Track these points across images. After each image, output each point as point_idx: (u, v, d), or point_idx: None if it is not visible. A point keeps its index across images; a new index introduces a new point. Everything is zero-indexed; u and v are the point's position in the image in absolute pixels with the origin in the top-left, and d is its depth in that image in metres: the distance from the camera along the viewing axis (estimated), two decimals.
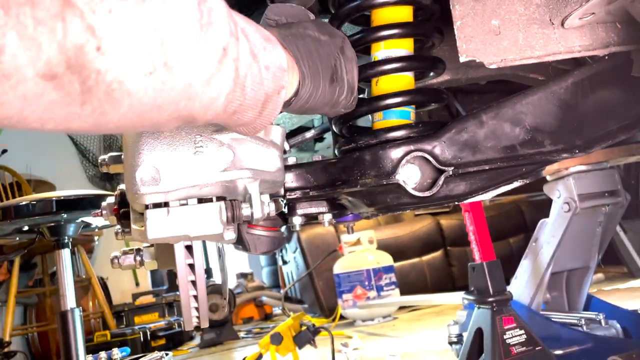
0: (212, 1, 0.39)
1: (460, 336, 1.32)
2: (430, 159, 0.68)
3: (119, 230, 0.70)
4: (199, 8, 0.38)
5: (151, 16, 0.34)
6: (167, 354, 2.04)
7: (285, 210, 0.77)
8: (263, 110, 0.48)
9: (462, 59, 0.68)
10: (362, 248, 2.91)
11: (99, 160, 0.67)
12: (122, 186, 0.64)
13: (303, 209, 0.77)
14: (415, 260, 3.36)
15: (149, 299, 3.50)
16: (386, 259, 2.90)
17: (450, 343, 1.36)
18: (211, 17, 0.39)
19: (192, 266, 0.68)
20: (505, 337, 1.08)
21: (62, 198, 1.56)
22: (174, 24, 0.36)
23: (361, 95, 0.89)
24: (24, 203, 1.55)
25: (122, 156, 0.61)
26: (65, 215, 1.56)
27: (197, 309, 0.71)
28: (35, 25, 0.29)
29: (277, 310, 3.88)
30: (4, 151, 3.42)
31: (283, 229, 0.79)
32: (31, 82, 0.30)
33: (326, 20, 0.79)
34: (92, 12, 0.31)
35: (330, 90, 0.56)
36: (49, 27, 0.29)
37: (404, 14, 0.72)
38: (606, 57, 0.73)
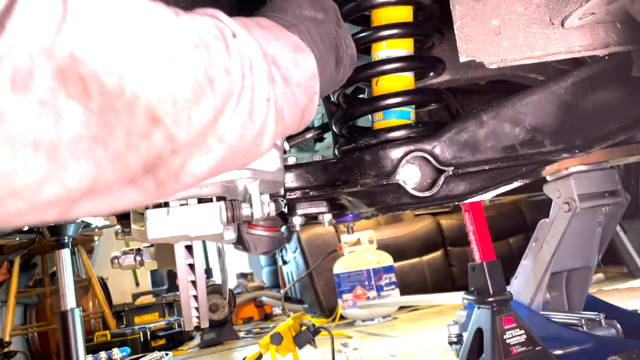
0: (253, 62, 0.41)
1: (460, 336, 1.32)
2: (430, 159, 0.68)
3: (119, 230, 0.70)
4: (242, 84, 0.39)
5: (212, 109, 0.37)
6: (167, 354, 2.04)
7: (285, 210, 0.77)
8: (301, 123, 0.50)
9: (462, 59, 0.68)
10: (362, 248, 2.91)
11: None
12: None
13: (303, 209, 0.77)
14: (415, 260, 3.36)
15: (149, 299, 3.50)
16: (386, 259, 2.90)
17: (450, 343, 1.36)
18: (254, 81, 0.40)
19: (192, 266, 0.68)
20: (505, 337, 1.08)
21: None
22: (229, 113, 0.38)
23: (361, 95, 0.89)
24: None
25: None
26: None
27: (197, 309, 0.71)
28: (126, 151, 0.32)
29: (277, 310, 3.88)
30: None
31: (283, 229, 0.79)
32: (116, 190, 0.34)
33: None
34: (175, 123, 0.34)
35: (336, 72, 0.56)
36: (137, 148, 0.32)
37: (404, 14, 0.72)
38: (606, 57, 0.73)
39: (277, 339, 1.55)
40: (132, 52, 0.31)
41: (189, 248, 0.66)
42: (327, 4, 0.56)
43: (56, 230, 1.60)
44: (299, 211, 0.77)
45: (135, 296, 3.64)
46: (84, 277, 3.16)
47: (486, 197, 0.75)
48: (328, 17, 0.56)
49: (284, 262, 3.65)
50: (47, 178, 0.28)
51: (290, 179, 0.73)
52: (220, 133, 0.38)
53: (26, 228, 1.62)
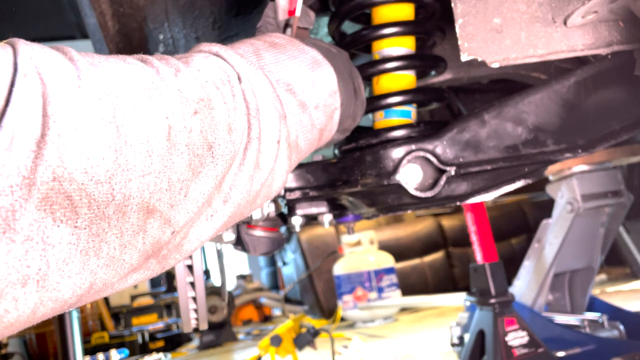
0: (261, 105, 0.39)
1: (462, 338, 1.31)
2: (432, 158, 0.67)
3: None
4: (254, 146, 0.38)
5: (214, 177, 0.35)
6: (165, 356, 2.03)
7: (285, 210, 0.76)
8: (320, 143, 0.48)
9: (464, 57, 0.68)
10: (362, 249, 2.90)
11: None
12: None
13: (303, 209, 0.76)
14: (417, 261, 3.35)
15: (147, 300, 3.49)
16: (387, 260, 2.89)
17: (452, 345, 1.35)
18: (261, 128, 0.38)
19: (190, 267, 0.67)
20: (507, 339, 1.07)
21: None
22: (234, 170, 0.37)
23: None
24: None
25: None
26: None
27: (195, 310, 0.70)
28: (121, 251, 0.30)
29: (276, 312, 3.87)
30: None
31: (283, 229, 0.79)
32: (116, 283, 0.32)
33: (326, 19, 0.78)
34: (171, 206, 0.32)
35: (354, 100, 0.54)
36: (133, 245, 0.31)
37: (405, 12, 0.72)
38: (609, 56, 0.72)
39: (276, 341, 1.54)
40: (121, 150, 0.29)
41: None
42: (340, 49, 0.56)
43: None
44: (299, 211, 0.76)
45: (134, 297, 3.63)
46: None
47: (488, 197, 0.74)
48: (341, 55, 0.55)
49: (284, 263, 3.64)
50: (40, 304, 0.27)
51: (290, 179, 0.73)
52: (225, 193, 0.36)
53: None
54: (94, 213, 0.28)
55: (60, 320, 1.48)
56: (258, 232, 0.72)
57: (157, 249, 0.33)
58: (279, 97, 0.41)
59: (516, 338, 1.08)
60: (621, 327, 1.16)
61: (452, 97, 1.03)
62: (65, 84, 0.28)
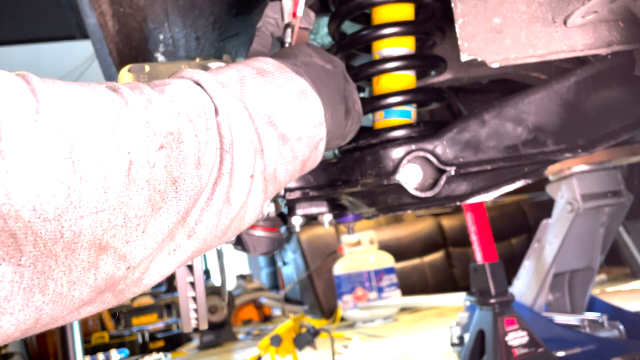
0: (236, 139, 0.38)
1: (462, 338, 1.31)
2: (432, 158, 0.67)
3: None
4: (223, 174, 0.37)
5: (175, 213, 0.34)
6: (165, 356, 2.03)
7: (285, 210, 0.76)
8: (301, 173, 0.47)
9: (464, 57, 0.68)
10: (362, 249, 2.90)
11: None
12: None
13: (303, 209, 0.76)
14: (417, 261, 3.35)
15: (147, 300, 3.49)
16: (387, 260, 2.89)
17: (452, 345, 1.35)
18: (234, 163, 0.37)
19: (190, 267, 0.67)
20: (507, 338, 1.07)
21: None
22: (200, 205, 0.36)
23: (361, 95, 0.89)
24: None
25: None
26: None
27: (195, 310, 0.70)
28: (69, 287, 0.29)
29: (276, 312, 3.87)
30: None
31: (283, 229, 0.79)
32: (67, 316, 0.31)
33: (326, 19, 0.78)
34: (127, 242, 0.31)
35: (345, 123, 0.53)
36: (83, 281, 0.30)
37: (405, 12, 0.72)
38: (609, 56, 0.72)
39: (276, 341, 1.54)
40: (75, 186, 0.28)
41: None
42: (336, 61, 0.55)
43: None
44: (299, 211, 0.76)
45: (134, 297, 3.63)
46: None
47: (488, 197, 0.74)
48: (337, 70, 0.54)
49: (284, 263, 3.64)
50: None
51: None
52: (190, 227, 0.35)
53: None
54: (39, 251, 0.27)
55: None
56: (258, 232, 0.72)
57: (112, 284, 0.32)
58: (257, 131, 0.40)
59: (516, 338, 1.08)
60: (621, 327, 1.16)
61: (452, 97, 1.03)
62: (21, 117, 0.27)
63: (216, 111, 0.38)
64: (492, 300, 1.11)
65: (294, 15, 0.60)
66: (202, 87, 0.39)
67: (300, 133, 0.44)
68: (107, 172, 0.29)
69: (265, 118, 0.42)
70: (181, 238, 0.35)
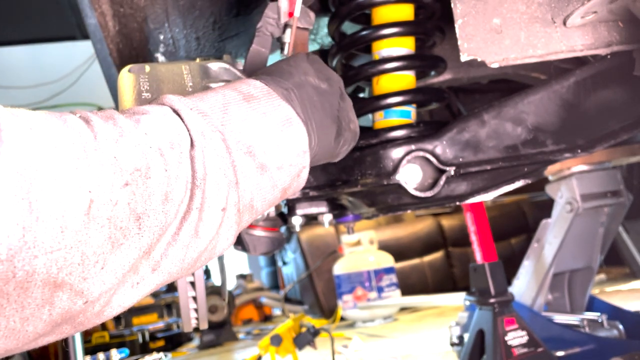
0: (210, 173, 0.37)
1: (461, 338, 1.31)
2: (432, 158, 0.68)
3: None
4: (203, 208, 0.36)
5: (137, 249, 0.33)
6: (165, 356, 2.03)
7: (285, 210, 0.76)
8: (281, 200, 0.46)
9: (464, 57, 0.68)
10: (362, 249, 2.90)
11: None
12: None
13: (303, 209, 0.76)
14: (416, 261, 3.35)
15: (147, 299, 3.49)
16: (387, 260, 2.89)
17: (452, 344, 1.35)
18: (205, 197, 0.37)
19: None
20: (506, 338, 1.07)
21: None
22: (166, 240, 0.35)
23: (361, 95, 0.89)
24: None
25: None
26: None
27: (196, 310, 0.70)
28: (22, 323, 0.29)
29: (276, 312, 3.87)
30: None
31: (283, 229, 0.79)
32: (24, 347, 0.31)
33: (326, 19, 0.78)
34: (84, 279, 0.30)
35: (335, 145, 0.53)
36: (37, 317, 0.29)
37: (405, 12, 0.72)
38: (608, 57, 0.72)
39: (276, 341, 1.54)
40: (31, 227, 0.27)
41: None
42: (333, 78, 0.55)
43: None
44: (299, 211, 0.76)
45: None
46: None
47: (488, 197, 0.74)
48: (332, 89, 0.53)
49: (284, 263, 3.64)
50: None
51: None
52: (155, 261, 0.35)
53: None
54: None
55: None
56: (258, 232, 0.72)
57: (69, 317, 0.31)
58: (233, 163, 0.39)
59: (516, 338, 1.08)
60: (620, 326, 1.16)
61: (452, 97, 1.03)
62: None
63: (192, 144, 0.37)
64: (492, 300, 1.11)
65: (291, 15, 0.61)
66: (180, 117, 0.38)
67: (282, 162, 0.44)
68: (66, 211, 0.29)
69: (245, 148, 0.41)
70: (145, 271, 0.34)
